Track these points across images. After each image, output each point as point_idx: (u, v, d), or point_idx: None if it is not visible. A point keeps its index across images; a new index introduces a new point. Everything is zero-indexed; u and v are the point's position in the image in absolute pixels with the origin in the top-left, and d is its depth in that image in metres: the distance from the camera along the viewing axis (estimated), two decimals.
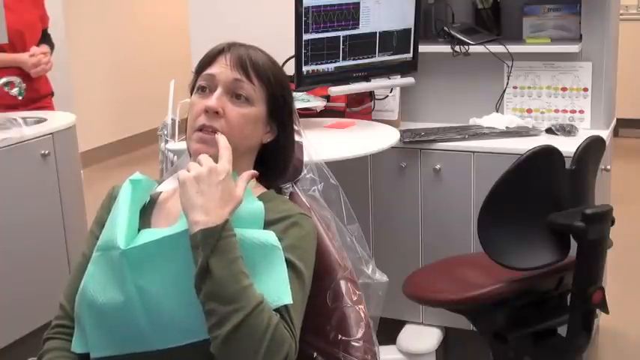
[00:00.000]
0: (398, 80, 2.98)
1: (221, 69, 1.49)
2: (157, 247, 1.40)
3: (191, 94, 1.55)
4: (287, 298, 1.36)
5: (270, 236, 1.41)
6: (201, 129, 1.46)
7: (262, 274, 1.37)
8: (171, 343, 1.38)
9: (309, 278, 1.46)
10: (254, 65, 1.50)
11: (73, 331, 1.49)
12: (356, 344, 1.49)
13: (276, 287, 1.37)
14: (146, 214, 1.53)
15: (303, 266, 1.43)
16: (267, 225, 1.44)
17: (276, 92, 1.53)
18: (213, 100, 1.46)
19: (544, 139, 2.81)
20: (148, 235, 1.44)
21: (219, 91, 1.48)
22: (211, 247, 1.31)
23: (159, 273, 1.39)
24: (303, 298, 1.43)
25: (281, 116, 1.56)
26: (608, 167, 2.96)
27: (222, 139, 1.43)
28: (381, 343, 1.60)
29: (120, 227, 1.44)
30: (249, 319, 1.29)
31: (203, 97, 1.49)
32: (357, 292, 1.54)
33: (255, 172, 1.46)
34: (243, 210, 1.42)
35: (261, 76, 1.50)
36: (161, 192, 1.59)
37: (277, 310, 1.35)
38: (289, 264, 1.41)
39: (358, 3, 2.74)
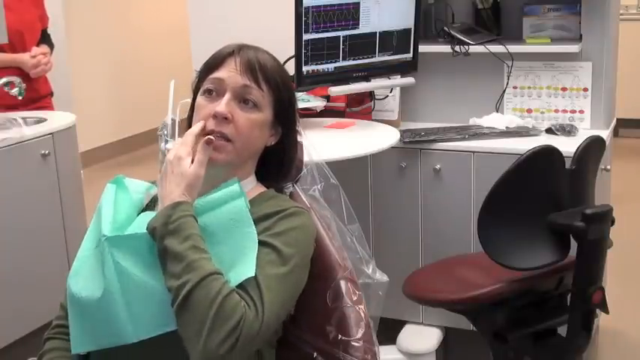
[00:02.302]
0: (398, 80, 2.98)
1: (230, 73, 1.49)
2: (143, 239, 1.40)
3: (194, 94, 1.54)
4: (249, 272, 1.36)
5: (239, 206, 1.43)
6: (209, 134, 1.46)
7: (228, 249, 1.39)
8: (150, 333, 1.38)
9: (300, 267, 1.45)
10: (263, 70, 1.49)
11: None
12: (356, 344, 1.49)
13: (239, 262, 1.38)
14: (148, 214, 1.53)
15: (289, 252, 1.42)
16: (263, 219, 1.45)
17: (283, 96, 1.53)
18: (222, 106, 1.46)
19: (544, 139, 2.81)
20: (143, 221, 1.44)
21: (228, 96, 1.47)
22: (161, 229, 1.35)
23: (141, 262, 1.39)
24: (282, 280, 1.40)
25: (286, 119, 1.56)
26: (608, 167, 2.96)
27: (195, 127, 1.47)
28: (381, 343, 1.60)
29: (105, 219, 1.46)
30: (196, 289, 1.30)
31: (210, 101, 1.49)
32: (357, 292, 1.54)
33: (209, 138, 1.44)
34: (220, 193, 1.45)
35: (270, 81, 1.50)
36: None
37: (240, 284, 1.35)
38: (271, 247, 1.41)
39: (358, 3, 2.74)
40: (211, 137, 1.43)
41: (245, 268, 1.37)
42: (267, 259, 1.39)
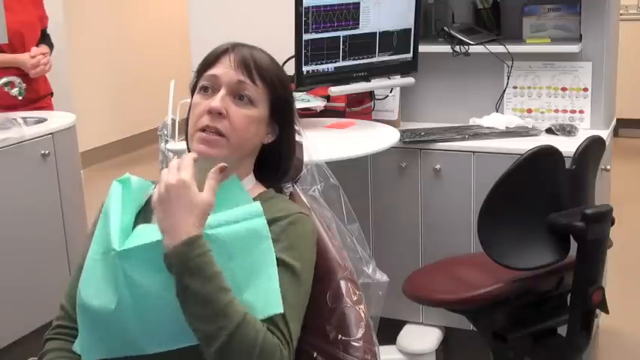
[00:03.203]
0: (398, 80, 2.98)
1: (225, 70, 1.49)
2: (152, 250, 1.38)
3: (192, 94, 1.54)
4: (277, 308, 1.35)
5: (259, 224, 1.40)
6: (204, 130, 1.46)
7: (250, 280, 1.37)
8: (163, 347, 1.38)
9: (309, 278, 1.46)
10: (258, 67, 1.49)
11: (73, 331, 1.49)
12: (356, 344, 1.49)
13: (265, 296, 1.36)
14: (146, 215, 1.52)
15: (300, 266, 1.42)
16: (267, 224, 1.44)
17: (279, 93, 1.53)
18: (217, 101, 1.46)
19: (544, 139, 2.81)
20: (144, 233, 1.43)
21: (222, 92, 1.47)
22: (180, 267, 1.31)
23: (152, 275, 1.37)
24: (300, 301, 1.43)
25: (283, 117, 1.55)
26: (608, 167, 2.96)
27: (189, 155, 1.42)
28: (381, 343, 1.60)
29: (113, 228, 1.44)
30: (234, 338, 1.29)
31: (206, 98, 1.48)
32: (357, 292, 1.54)
33: (223, 165, 1.39)
34: (238, 210, 1.42)
35: (265, 78, 1.50)
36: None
37: (268, 319, 1.35)
38: (285, 265, 1.40)
39: (358, 3, 2.74)
40: (225, 165, 1.39)
41: (270, 302, 1.36)
42: (284, 279, 1.39)
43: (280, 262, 1.40)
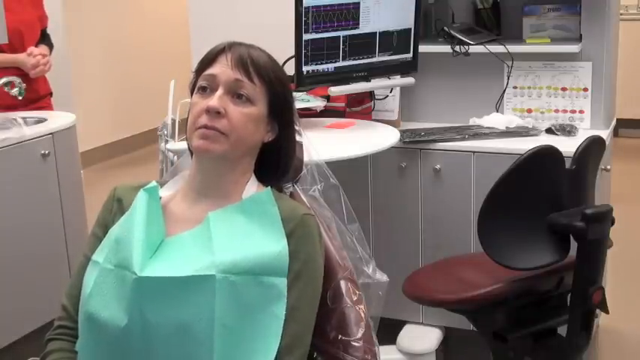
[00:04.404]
0: (398, 80, 2.98)
1: (222, 69, 1.49)
2: (171, 285, 1.37)
3: (191, 94, 1.54)
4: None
5: (280, 284, 1.41)
6: (202, 129, 1.46)
7: (249, 337, 1.38)
8: None
9: (319, 276, 1.48)
10: (255, 65, 1.49)
11: (75, 332, 1.49)
12: (356, 344, 1.49)
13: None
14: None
15: (311, 268, 1.44)
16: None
17: (277, 91, 1.53)
18: (214, 100, 1.46)
19: (544, 139, 2.81)
20: (167, 253, 1.42)
21: (220, 91, 1.47)
22: None
23: (166, 310, 1.37)
24: (312, 311, 1.46)
25: (282, 115, 1.55)
26: (608, 167, 2.96)
27: None
28: (381, 343, 1.60)
29: (136, 248, 1.41)
30: None
31: (204, 97, 1.48)
32: (357, 292, 1.54)
33: None
34: (262, 214, 1.44)
35: (262, 76, 1.50)
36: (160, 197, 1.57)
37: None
38: (297, 275, 1.42)
39: (358, 3, 2.74)
40: None
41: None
42: (306, 294, 1.43)
43: (299, 277, 1.43)
